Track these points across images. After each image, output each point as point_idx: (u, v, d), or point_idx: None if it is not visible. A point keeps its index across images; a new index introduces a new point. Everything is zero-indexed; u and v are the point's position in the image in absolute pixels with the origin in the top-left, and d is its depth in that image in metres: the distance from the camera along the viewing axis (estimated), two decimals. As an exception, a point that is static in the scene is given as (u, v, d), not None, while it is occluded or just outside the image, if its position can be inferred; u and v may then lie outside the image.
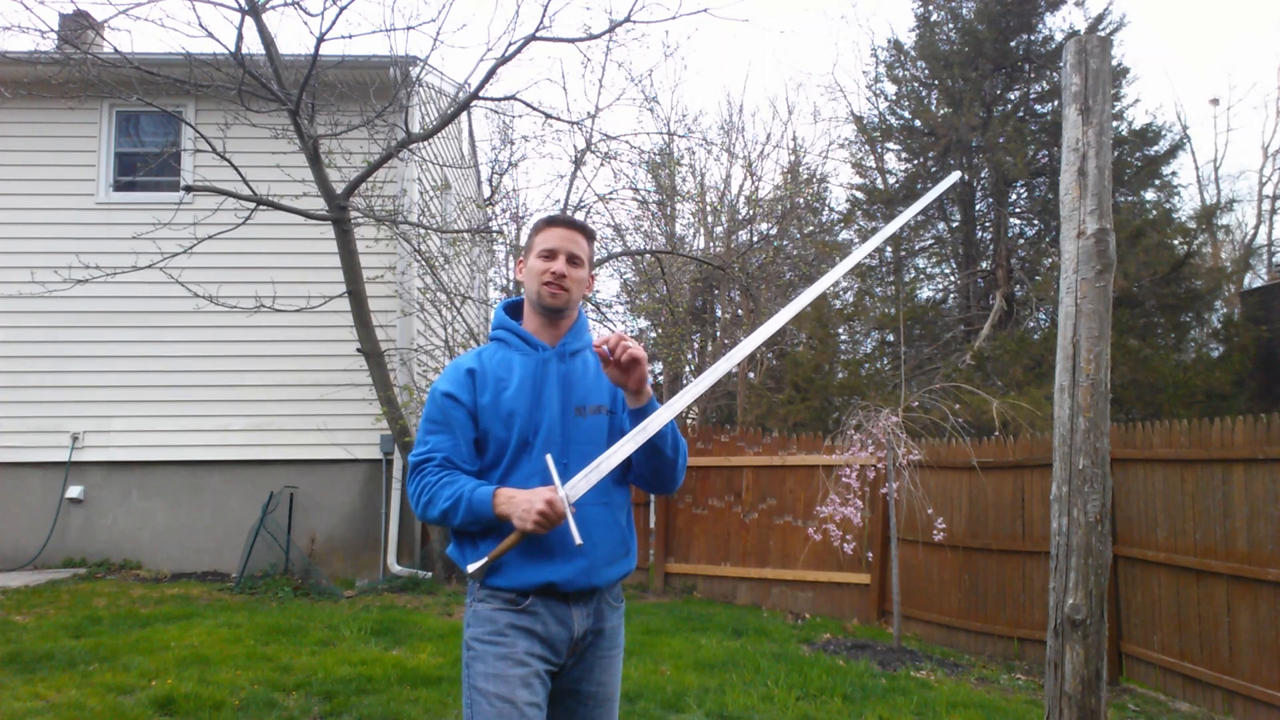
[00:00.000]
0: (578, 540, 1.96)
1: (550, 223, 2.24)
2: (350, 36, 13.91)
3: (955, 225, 16.53)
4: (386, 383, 8.21)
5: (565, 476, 2.07)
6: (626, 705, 4.65)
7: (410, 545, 9.02)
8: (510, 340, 2.23)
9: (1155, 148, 14.74)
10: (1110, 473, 2.88)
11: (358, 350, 8.26)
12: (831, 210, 18.26)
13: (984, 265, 15.76)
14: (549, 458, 2.06)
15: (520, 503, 1.99)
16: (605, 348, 2.07)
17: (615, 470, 2.14)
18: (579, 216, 11.33)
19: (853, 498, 7.09)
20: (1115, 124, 14.35)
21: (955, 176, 2.65)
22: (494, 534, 2.07)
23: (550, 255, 2.19)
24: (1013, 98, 15.66)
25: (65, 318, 8.94)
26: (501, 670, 2.02)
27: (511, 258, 12.08)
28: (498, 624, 2.06)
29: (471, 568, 2.06)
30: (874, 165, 17.60)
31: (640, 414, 2.13)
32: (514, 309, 2.33)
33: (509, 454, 2.12)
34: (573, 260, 2.20)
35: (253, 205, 8.03)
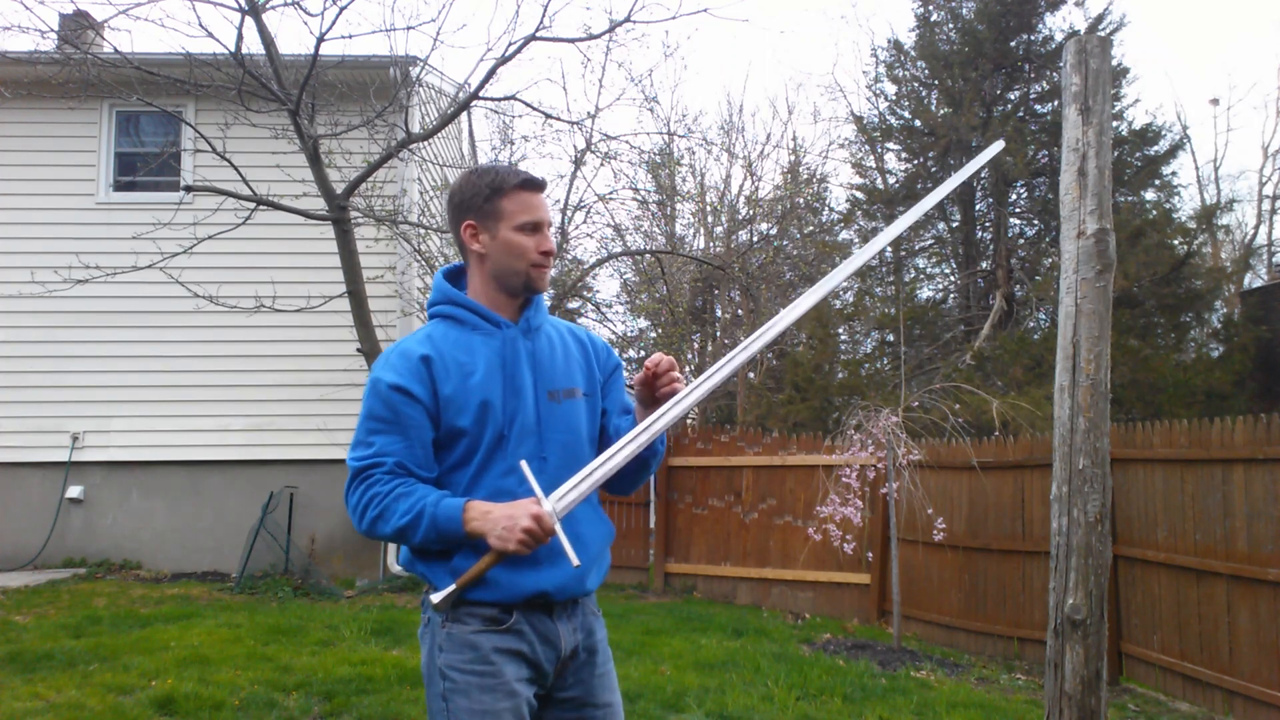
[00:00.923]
0: (575, 561, 1.67)
1: (526, 185, 1.87)
2: (350, 36, 13.90)
3: (955, 225, 16.53)
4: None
5: (544, 472, 1.80)
6: (626, 705, 4.65)
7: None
8: (465, 317, 1.88)
9: (1155, 148, 14.75)
10: (1110, 473, 2.88)
11: (358, 350, 8.26)
12: (831, 210, 18.27)
13: (984, 265, 15.76)
14: (524, 464, 1.75)
15: (499, 520, 1.68)
16: (653, 371, 1.83)
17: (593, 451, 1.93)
18: (579, 217, 11.36)
19: (853, 498, 7.09)
20: (1115, 124, 14.35)
21: (999, 146, 2.43)
22: (469, 547, 1.76)
23: (536, 228, 1.87)
24: (1013, 98, 15.66)
25: (65, 318, 8.94)
26: (490, 705, 1.73)
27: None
28: (481, 650, 1.76)
29: (435, 598, 1.74)
30: (874, 165, 17.61)
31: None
32: (455, 275, 1.98)
33: (481, 451, 1.81)
34: (551, 226, 1.93)
35: (253, 205, 8.03)
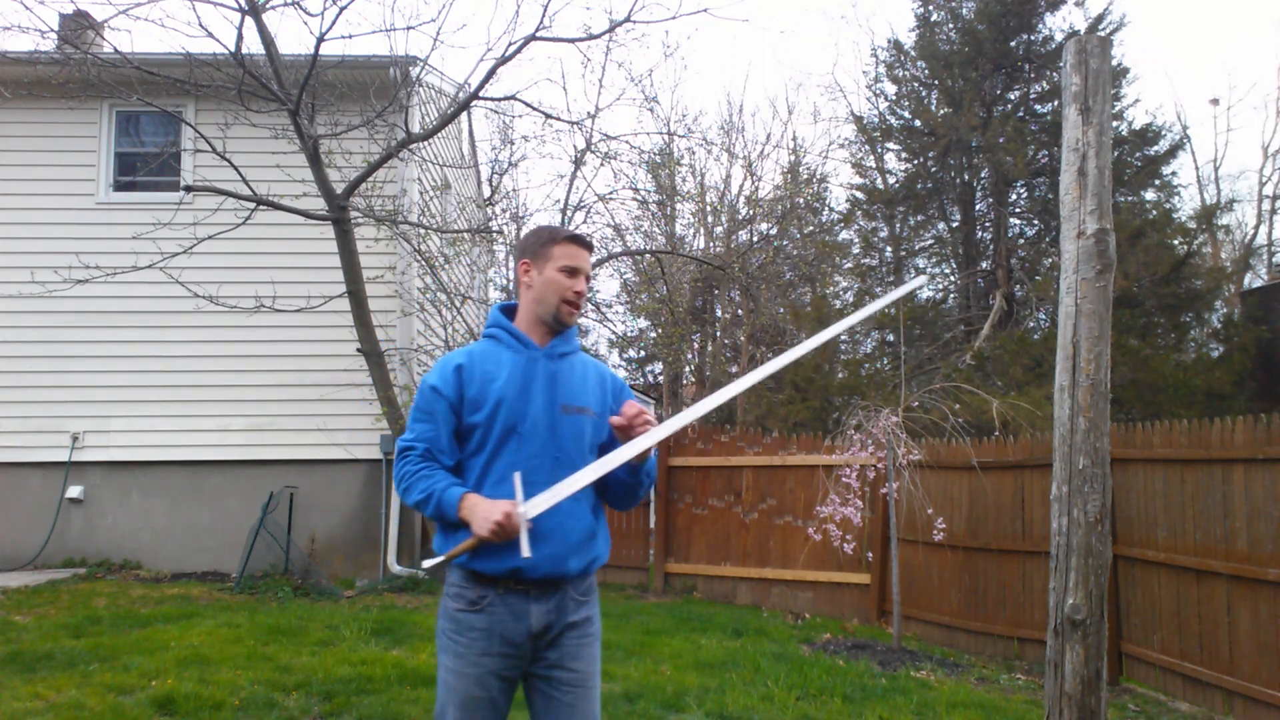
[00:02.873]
0: (525, 552, 2.06)
1: (575, 240, 2.35)
2: (350, 36, 13.92)
3: (955, 225, 16.53)
4: (386, 383, 8.21)
5: (554, 471, 2.21)
6: (626, 705, 4.65)
7: (410, 545, 9.02)
8: (502, 337, 2.34)
9: (1155, 148, 14.76)
10: (1110, 473, 2.88)
11: (358, 350, 8.26)
12: (831, 210, 18.29)
13: (984, 265, 15.76)
14: (516, 476, 2.15)
15: (481, 511, 2.09)
16: (627, 423, 2.21)
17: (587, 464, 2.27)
18: (579, 217, 11.36)
19: (853, 498, 7.09)
20: (1115, 124, 14.35)
21: (923, 279, 2.85)
22: (465, 529, 2.16)
23: (574, 273, 2.31)
24: (1013, 98, 15.67)
25: (65, 318, 8.94)
26: (459, 668, 2.19)
27: (512, 257, 12.06)
28: (459, 624, 2.21)
29: (427, 564, 2.20)
30: (874, 165, 17.61)
31: (634, 469, 2.29)
32: (509, 311, 2.42)
33: (493, 441, 2.22)
34: (587, 280, 2.36)
35: (253, 205, 8.03)
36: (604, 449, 2.34)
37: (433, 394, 2.26)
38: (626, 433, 2.23)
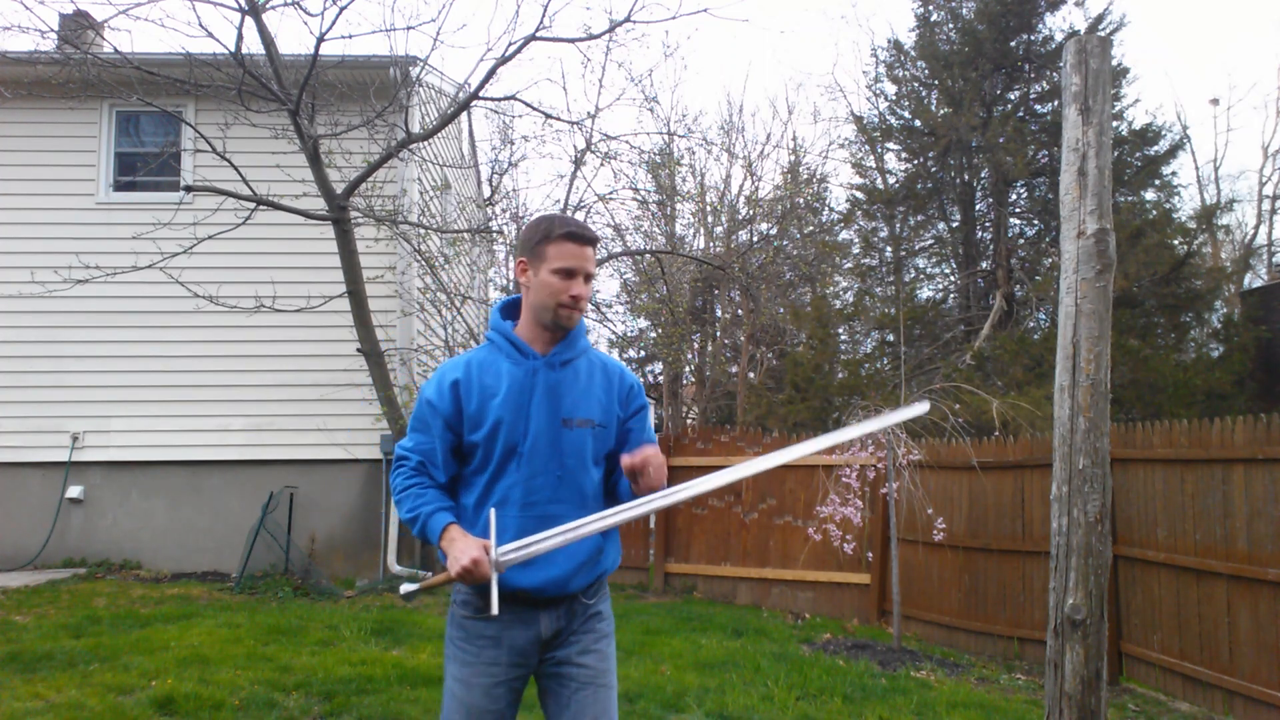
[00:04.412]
0: (494, 611, 1.98)
1: (570, 237, 2.14)
2: (350, 36, 13.91)
3: (955, 225, 16.53)
4: (386, 383, 8.21)
5: (558, 489, 2.14)
6: (626, 705, 4.65)
7: (410, 545, 9.02)
8: (501, 345, 2.21)
9: (1155, 148, 14.75)
10: (1110, 473, 2.88)
11: (358, 350, 8.26)
12: (831, 210, 18.27)
13: (984, 265, 15.76)
14: (491, 514, 2.06)
15: (457, 549, 2.01)
16: (634, 468, 2.08)
17: (597, 485, 2.22)
18: (580, 217, 11.34)
19: (853, 498, 7.09)
20: (1115, 124, 14.35)
21: (924, 406, 2.51)
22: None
23: (569, 274, 2.13)
24: (1013, 98, 15.66)
25: (65, 318, 8.94)
26: (466, 677, 2.15)
27: (511, 257, 12.06)
28: (467, 632, 2.17)
29: (405, 589, 2.13)
30: (874, 165, 17.60)
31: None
32: (510, 308, 2.30)
33: (495, 461, 2.14)
34: (587, 279, 2.16)
35: (253, 205, 8.02)
36: (610, 457, 2.25)
37: (429, 408, 2.18)
38: (635, 476, 2.11)
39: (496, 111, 11.06)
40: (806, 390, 13.72)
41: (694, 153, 15.98)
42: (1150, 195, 15.06)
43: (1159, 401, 11.67)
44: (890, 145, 17.30)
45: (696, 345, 18.62)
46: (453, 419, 2.16)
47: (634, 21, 8.23)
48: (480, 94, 8.30)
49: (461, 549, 2.00)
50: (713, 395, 18.21)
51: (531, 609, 2.15)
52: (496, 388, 2.15)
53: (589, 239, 2.16)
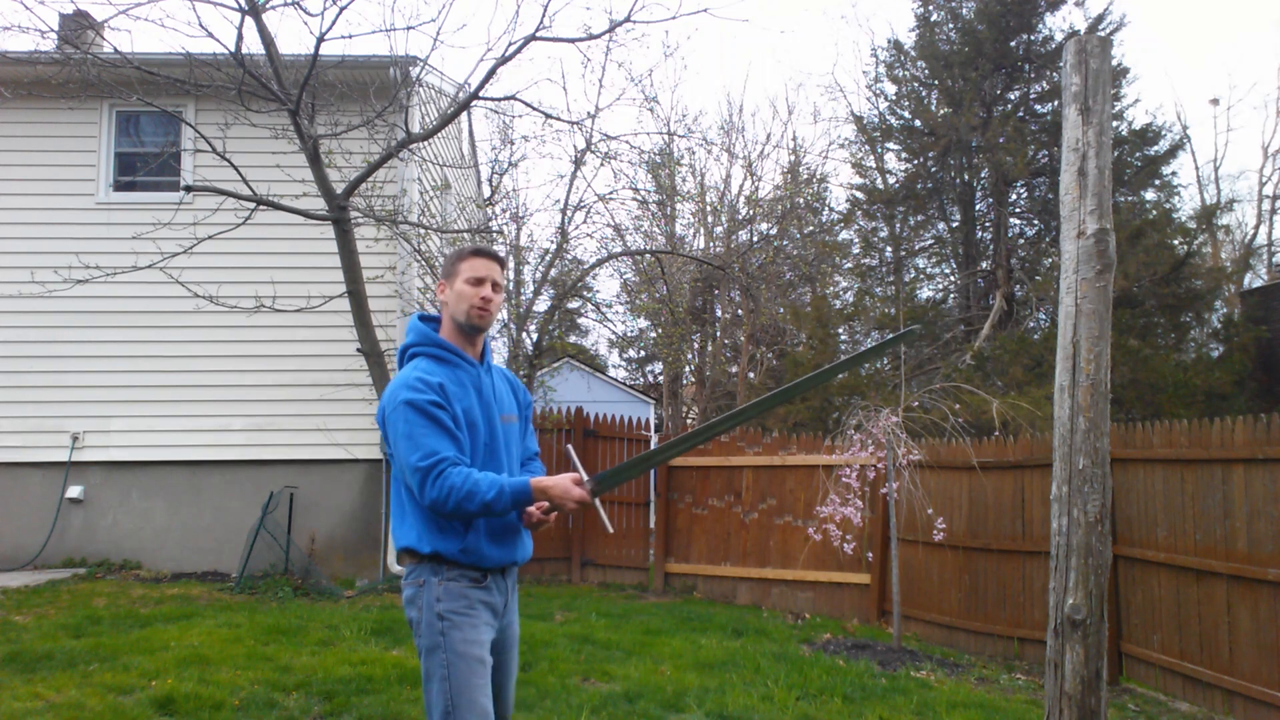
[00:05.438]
0: (609, 528, 2.50)
1: (477, 253, 2.53)
2: (350, 36, 13.89)
3: (955, 225, 16.53)
4: (386, 382, 8.21)
5: (507, 475, 2.47)
6: (626, 705, 4.65)
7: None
8: (446, 356, 2.50)
9: (1155, 148, 14.76)
10: (1110, 473, 2.88)
11: (358, 350, 8.26)
12: (831, 210, 18.28)
13: (984, 265, 15.77)
14: (570, 448, 2.67)
15: (559, 488, 2.34)
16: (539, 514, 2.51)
17: (519, 462, 2.63)
18: (579, 216, 11.36)
19: (853, 498, 7.09)
20: (1115, 124, 14.36)
21: (915, 328, 2.85)
22: (472, 526, 2.41)
23: (478, 282, 2.49)
24: (1013, 98, 15.67)
25: (65, 318, 8.94)
26: (474, 637, 2.40)
27: (512, 257, 12.07)
28: (469, 599, 2.42)
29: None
30: (874, 165, 17.61)
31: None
32: (429, 323, 2.60)
33: (468, 455, 2.41)
34: (495, 287, 2.52)
35: (253, 205, 8.02)
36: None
37: (432, 407, 2.36)
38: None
39: (496, 111, 11.08)
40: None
41: (694, 153, 16.01)
42: (1150, 195, 15.08)
43: (1159, 401, 11.67)
44: (890, 145, 17.32)
45: (696, 345, 18.63)
46: (454, 415, 2.42)
47: (634, 21, 8.24)
48: (480, 94, 8.30)
49: (563, 488, 2.34)
50: (713, 395, 18.22)
51: (503, 578, 2.52)
52: (464, 393, 2.46)
53: (494, 255, 2.55)
